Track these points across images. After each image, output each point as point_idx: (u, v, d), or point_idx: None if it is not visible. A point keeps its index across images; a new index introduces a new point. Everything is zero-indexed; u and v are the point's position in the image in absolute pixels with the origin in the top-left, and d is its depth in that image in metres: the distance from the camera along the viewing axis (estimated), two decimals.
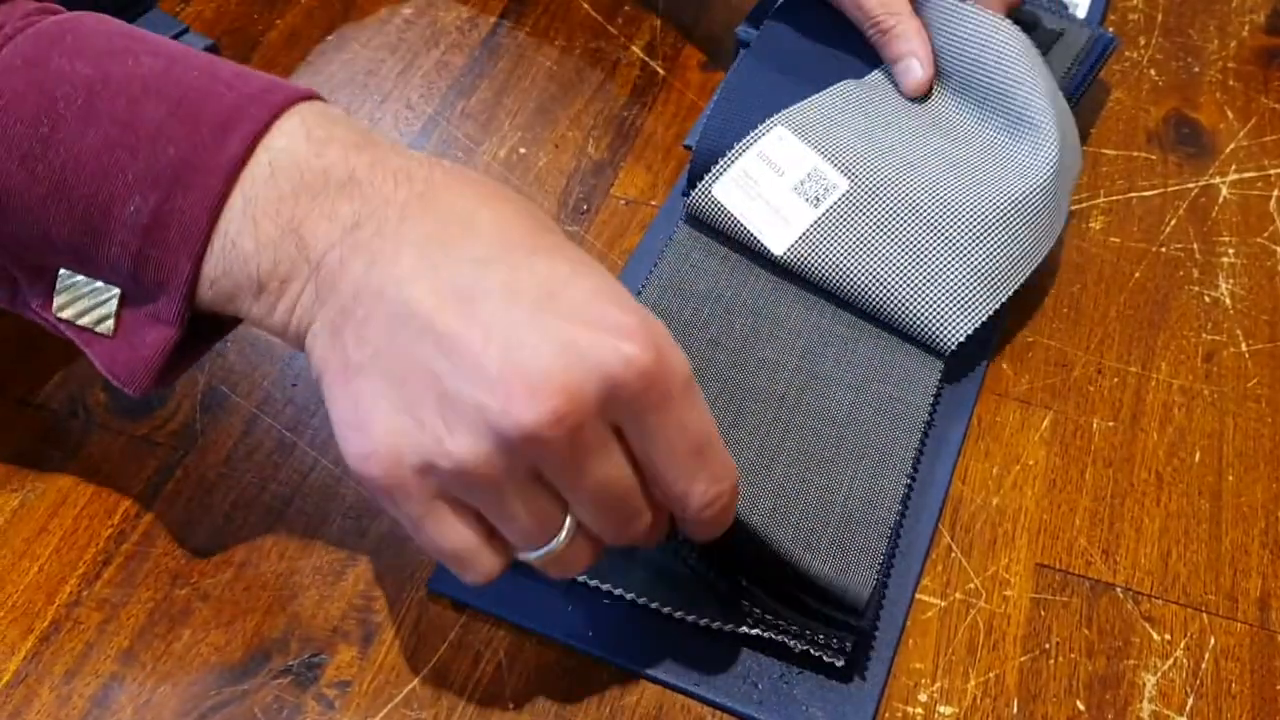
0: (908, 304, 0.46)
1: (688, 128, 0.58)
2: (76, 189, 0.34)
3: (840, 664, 0.38)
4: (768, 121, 0.51)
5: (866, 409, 0.45)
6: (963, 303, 0.46)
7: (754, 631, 0.39)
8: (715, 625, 0.40)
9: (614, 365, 0.30)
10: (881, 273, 0.47)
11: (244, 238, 0.34)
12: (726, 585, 0.40)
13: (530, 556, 0.34)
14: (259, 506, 0.44)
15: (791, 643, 0.39)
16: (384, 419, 0.32)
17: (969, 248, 0.46)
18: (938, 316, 0.46)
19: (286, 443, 0.46)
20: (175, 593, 0.42)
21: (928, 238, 0.47)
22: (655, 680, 0.39)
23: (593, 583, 0.40)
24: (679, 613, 0.40)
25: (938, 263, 0.46)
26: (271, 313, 0.34)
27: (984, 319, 0.46)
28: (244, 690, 0.39)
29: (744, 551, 0.40)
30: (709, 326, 0.47)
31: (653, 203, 0.55)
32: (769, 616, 0.39)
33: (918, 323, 0.46)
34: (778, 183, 0.49)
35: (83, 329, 0.36)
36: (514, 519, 0.32)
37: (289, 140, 0.34)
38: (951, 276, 0.46)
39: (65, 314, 0.36)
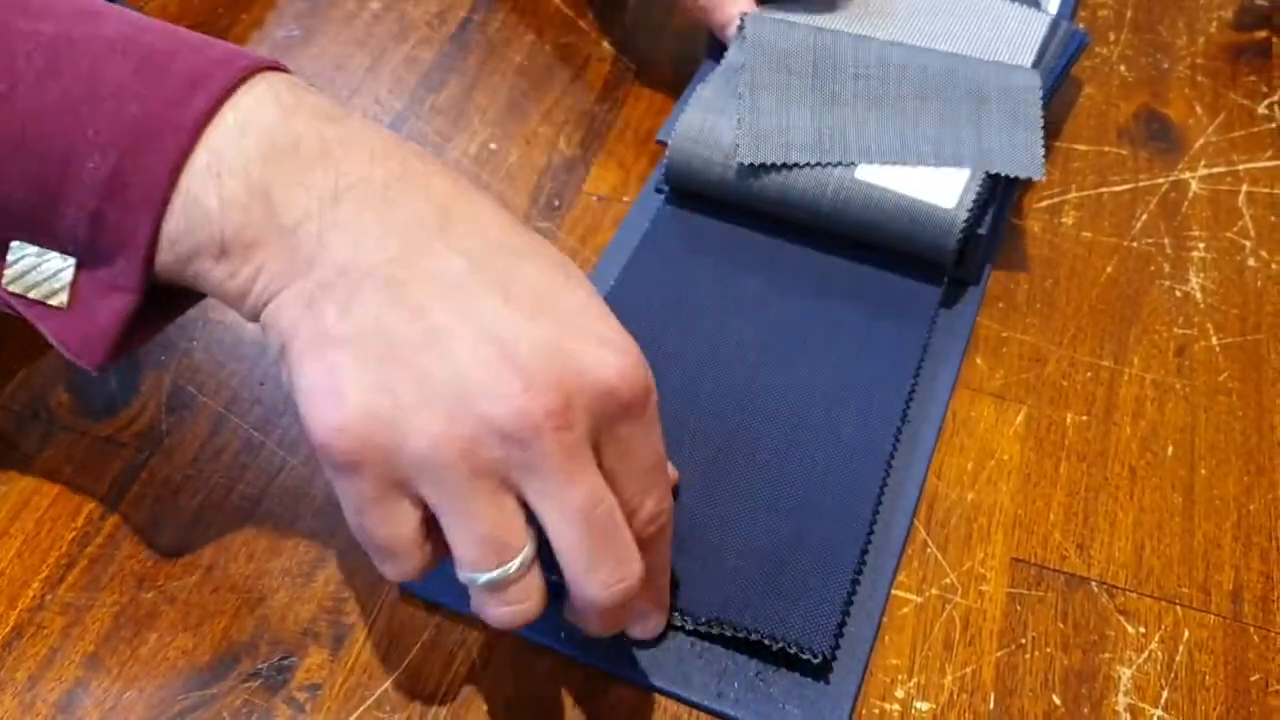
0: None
1: (660, 123, 0.58)
2: (34, 146, 0.32)
3: (817, 661, 0.38)
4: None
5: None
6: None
7: (729, 634, 0.39)
8: (690, 627, 0.39)
9: (608, 375, 0.31)
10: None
11: (208, 195, 0.32)
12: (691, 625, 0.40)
13: (476, 579, 0.32)
14: (227, 508, 0.43)
15: (768, 640, 0.39)
16: (360, 393, 0.31)
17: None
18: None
19: (254, 443, 0.45)
20: (141, 596, 0.41)
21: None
22: (631, 680, 0.39)
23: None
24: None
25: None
26: (232, 277, 0.33)
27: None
28: (212, 694, 0.39)
29: (704, 592, 0.40)
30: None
31: (625, 199, 0.55)
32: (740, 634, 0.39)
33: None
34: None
35: (34, 302, 0.35)
36: (472, 524, 0.31)
37: (257, 103, 0.33)
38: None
39: (14, 287, 0.34)
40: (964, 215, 0.48)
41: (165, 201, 0.32)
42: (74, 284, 0.34)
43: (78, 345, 0.35)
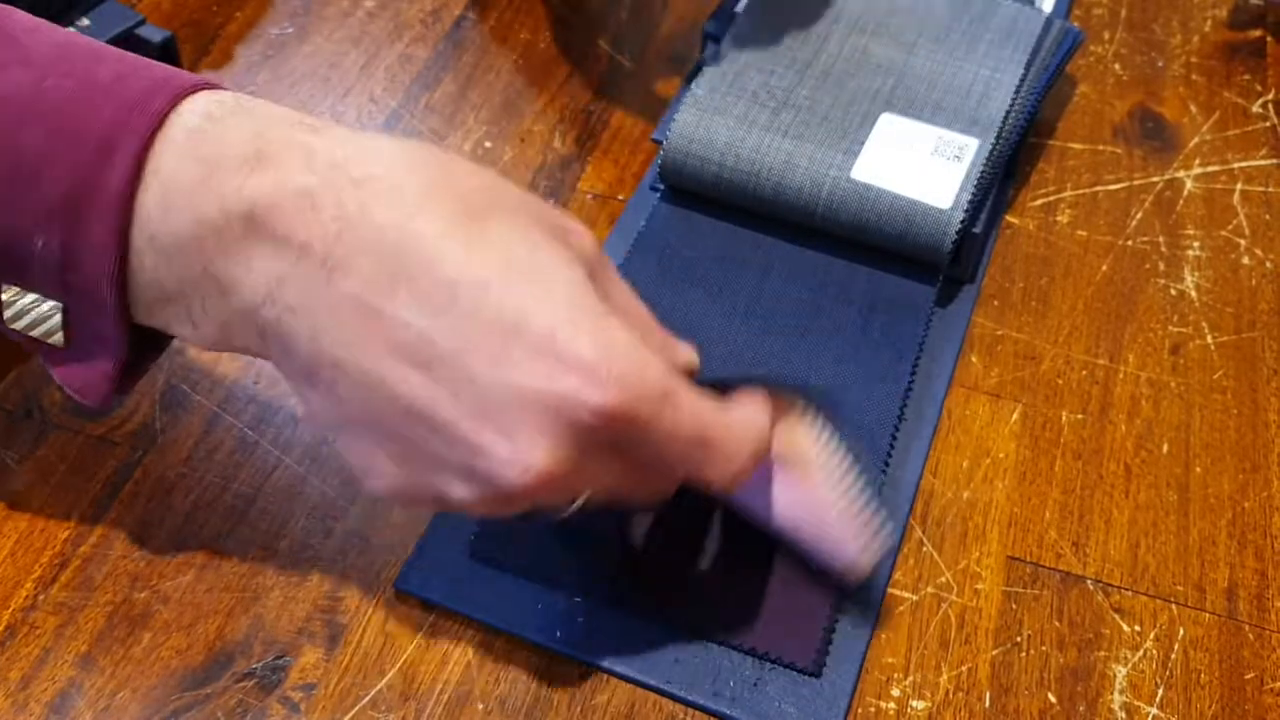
0: None
1: (655, 122, 0.58)
2: None
3: (808, 672, 0.38)
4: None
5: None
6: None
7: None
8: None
9: (581, 417, 0.30)
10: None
11: (160, 274, 0.32)
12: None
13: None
14: (221, 507, 0.43)
15: (755, 655, 0.39)
16: (387, 473, 0.33)
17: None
18: None
19: (249, 441, 0.45)
20: (134, 596, 0.41)
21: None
22: (626, 679, 0.39)
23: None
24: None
25: None
26: (206, 338, 0.34)
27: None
28: (206, 694, 0.38)
29: (691, 605, 0.40)
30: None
31: (620, 197, 0.55)
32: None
33: None
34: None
35: (36, 340, 0.35)
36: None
37: (176, 161, 0.31)
38: None
39: (16, 326, 0.35)
40: (959, 214, 0.48)
41: (119, 272, 0.32)
42: (66, 325, 0.34)
43: (79, 386, 0.35)
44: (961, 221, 0.48)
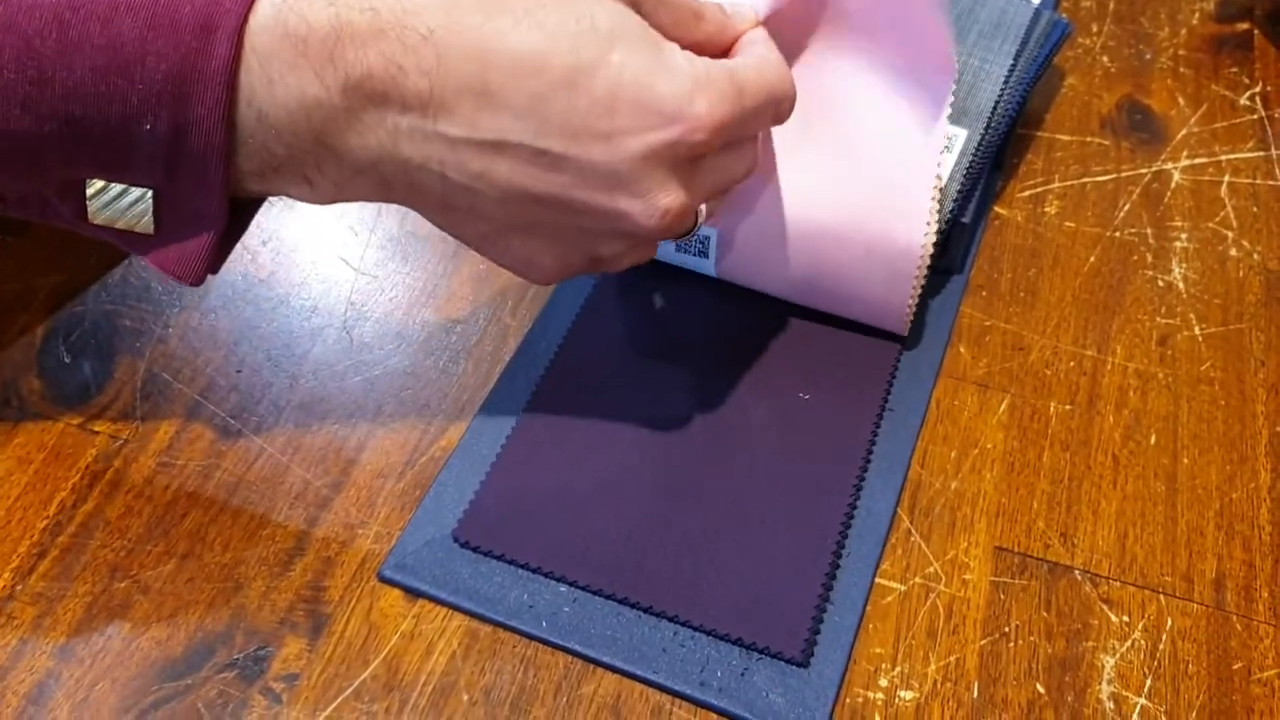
0: None
1: None
2: (85, 123, 0.33)
3: (796, 661, 0.38)
4: None
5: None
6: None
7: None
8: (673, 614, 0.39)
9: (690, 150, 0.35)
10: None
11: (270, 145, 0.34)
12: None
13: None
14: (202, 496, 0.43)
15: (743, 644, 0.38)
16: (545, 262, 0.38)
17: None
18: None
19: (231, 430, 0.45)
20: (114, 586, 0.40)
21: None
22: (613, 669, 0.39)
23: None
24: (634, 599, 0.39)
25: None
26: (323, 197, 0.36)
27: None
28: (187, 685, 0.38)
29: (679, 593, 0.40)
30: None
31: None
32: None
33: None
34: None
35: (123, 231, 0.36)
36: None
37: (270, 38, 0.33)
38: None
39: (100, 219, 0.36)
40: (949, 205, 0.48)
41: (229, 143, 0.33)
42: (157, 211, 0.35)
43: (174, 267, 0.36)
44: (951, 212, 0.48)
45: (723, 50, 0.39)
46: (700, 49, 0.38)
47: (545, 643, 0.39)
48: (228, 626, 0.39)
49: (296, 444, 0.44)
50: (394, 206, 0.47)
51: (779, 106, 0.38)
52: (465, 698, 0.38)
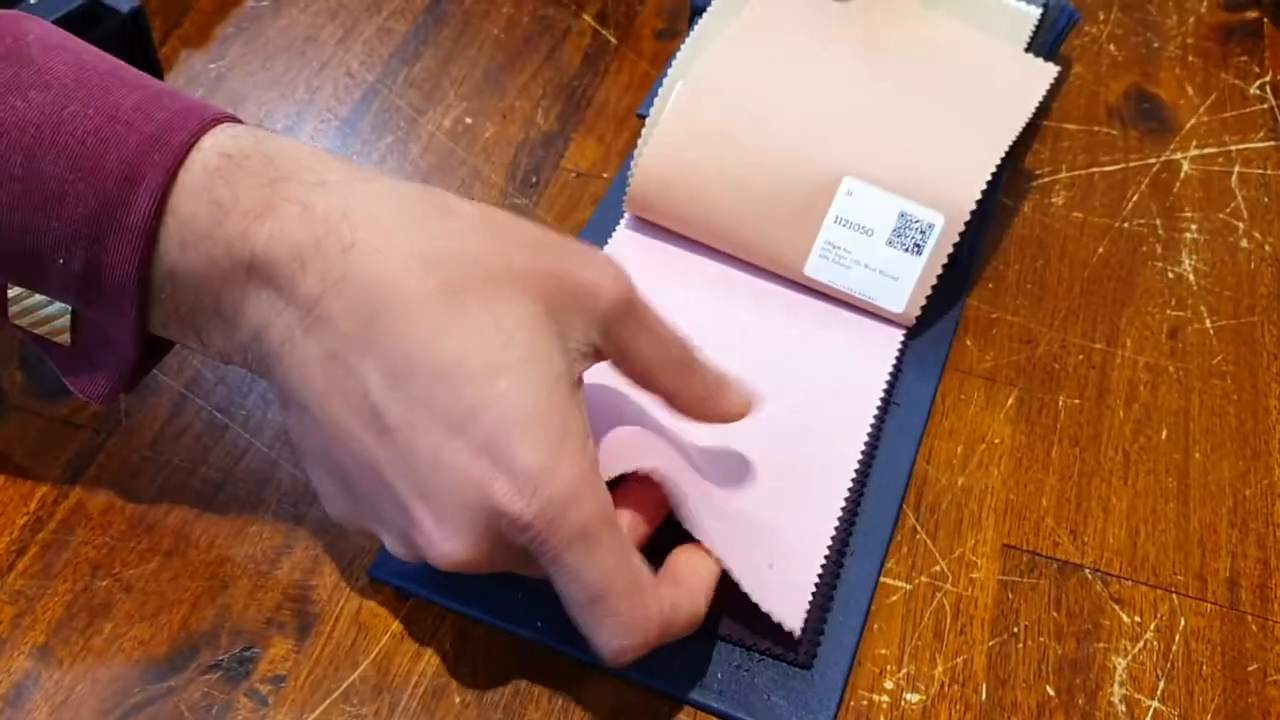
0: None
1: (641, 98, 0.56)
2: (1, 246, 0.32)
3: (797, 663, 0.37)
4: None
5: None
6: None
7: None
8: None
9: (501, 522, 0.31)
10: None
11: (176, 300, 0.33)
12: None
13: None
14: (188, 492, 0.41)
15: (744, 646, 0.37)
16: (339, 505, 0.35)
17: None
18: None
19: (218, 425, 0.43)
20: (96, 584, 0.39)
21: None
22: (609, 672, 0.37)
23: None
24: None
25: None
26: (212, 356, 0.35)
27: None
28: (170, 687, 0.37)
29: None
30: None
31: (605, 175, 0.53)
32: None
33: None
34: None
35: (39, 337, 0.35)
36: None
37: (193, 203, 0.32)
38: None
39: (20, 323, 0.35)
40: (915, 314, 0.46)
41: (141, 294, 0.32)
42: (73, 326, 0.35)
43: (84, 386, 0.36)
44: (916, 319, 0.46)
45: (699, 414, 0.37)
46: (675, 399, 0.36)
47: (540, 644, 0.38)
48: (212, 626, 0.38)
49: (285, 438, 0.43)
50: None
51: (600, 621, 0.33)
52: (458, 700, 0.37)
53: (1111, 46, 0.61)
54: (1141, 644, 0.39)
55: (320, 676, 0.37)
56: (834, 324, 0.46)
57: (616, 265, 0.34)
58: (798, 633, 0.37)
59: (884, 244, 0.45)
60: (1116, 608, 0.40)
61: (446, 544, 0.32)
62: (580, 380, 0.34)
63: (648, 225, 0.49)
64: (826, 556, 0.39)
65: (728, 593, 0.38)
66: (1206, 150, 0.56)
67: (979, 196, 0.45)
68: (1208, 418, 0.45)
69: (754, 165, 0.46)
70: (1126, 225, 0.52)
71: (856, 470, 0.42)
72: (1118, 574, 0.41)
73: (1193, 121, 0.57)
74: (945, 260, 0.45)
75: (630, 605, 0.32)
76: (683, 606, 0.34)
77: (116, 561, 0.39)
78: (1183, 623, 0.39)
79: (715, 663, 0.38)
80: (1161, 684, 0.38)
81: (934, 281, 0.45)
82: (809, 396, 0.44)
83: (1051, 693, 0.38)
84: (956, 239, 0.45)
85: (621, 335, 0.34)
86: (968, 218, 0.45)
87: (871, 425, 0.43)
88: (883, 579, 0.40)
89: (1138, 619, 0.40)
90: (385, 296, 0.31)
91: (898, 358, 0.45)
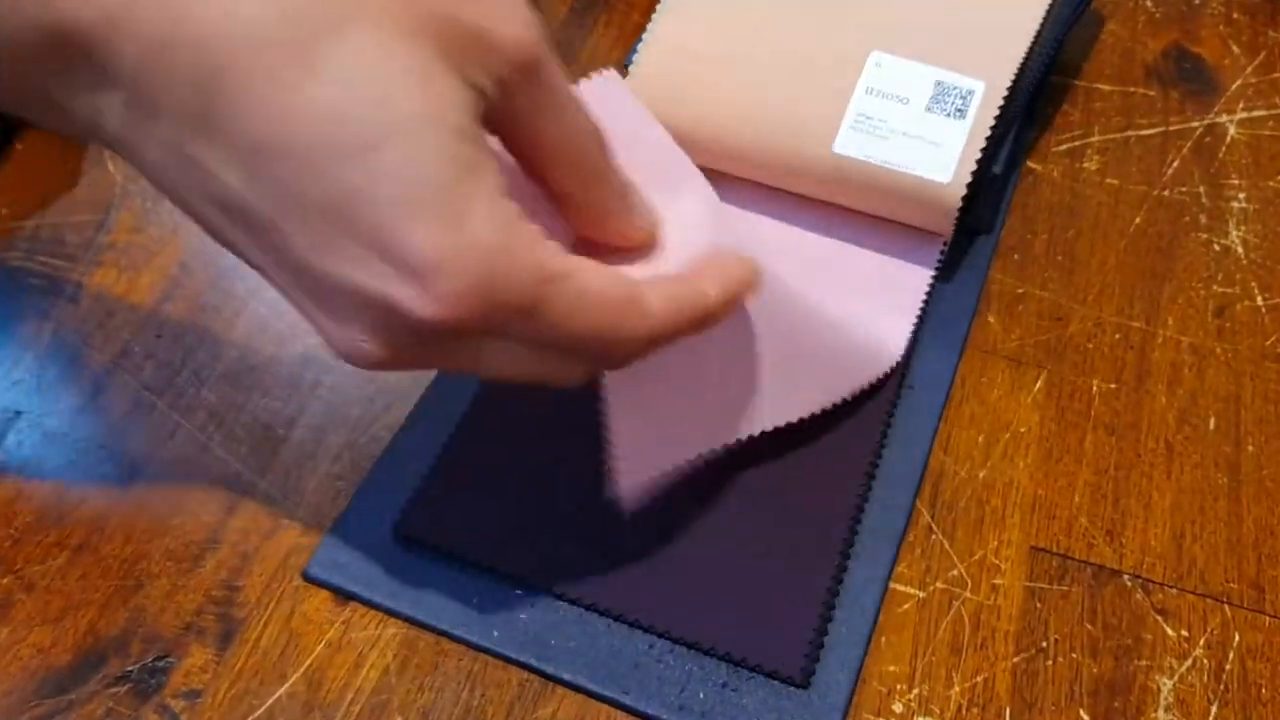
0: None
1: (629, 46, 0.51)
2: None
3: (794, 680, 0.32)
4: None
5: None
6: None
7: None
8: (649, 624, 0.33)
9: (410, 326, 0.25)
10: None
11: (7, 83, 0.26)
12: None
13: None
14: (106, 478, 0.37)
15: (734, 658, 0.32)
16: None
17: None
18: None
19: (144, 403, 0.39)
20: None
21: None
22: (576, 688, 0.33)
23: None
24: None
25: None
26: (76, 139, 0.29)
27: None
28: (69, 700, 0.32)
29: (663, 602, 0.34)
30: None
31: None
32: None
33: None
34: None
35: None
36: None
37: None
38: None
39: None
40: (961, 190, 0.41)
41: None
42: None
43: None
44: (963, 198, 0.41)
45: (595, 229, 0.30)
46: (568, 202, 0.29)
47: (496, 655, 0.33)
48: (123, 631, 0.33)
49: (219, 420, 0.38)
50: None
51: (608, 352, 0.28)
52: (399, 719, 0.32)
53: (1148, 2, 0.56)
54: (1190, 662, 0.34)
55: (242, 691, 0.32)
56: (851, 286, 0.41)
57: (529, 11, 0.27)
58: (803, 647, 0.32)
59: (923, 110, 0.42)
60: (1160, 620, 0.35)
61: (353, 349, 0.26)
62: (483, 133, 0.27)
63: None
64: (836, 563, 0.34)
65: (717, 600, 0.33)
66: (1255, 113, 0.51)
67: (1021, 59, 0.42)
68: (1261, 405, 0.40)
69: (771, 44, 0.43)
70: (1166, 193, 0.47)
71: (865, 460, 0.37)
72: (1161, 581, 0.36)
73: (1239, 82, 0.52)
74: (989, 131, 0.41)
75: (621, 330, 0.27)
76: (687, 302, 0.28)
77: (19, 556, 0.35)
78: (1237, 638, 0.34)
79: (699, 680, 0.33)
80: (1214, 709, 0.33)
81: (979, 154, 0.41)
82: (816, 371, 0.39)
83: (1086, 717, 0.33)
84: (998, 108, 0.41)
85: (521, 104, 0.26)
86: (1010, 82, 0.41)
87: (886, 412, 0.38)
88: (892, 584, 0.35)
89: (1185, 633, 0.34)
90: (219, 61, 0.24)
91: (913, 332, 0.40)
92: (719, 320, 0.29)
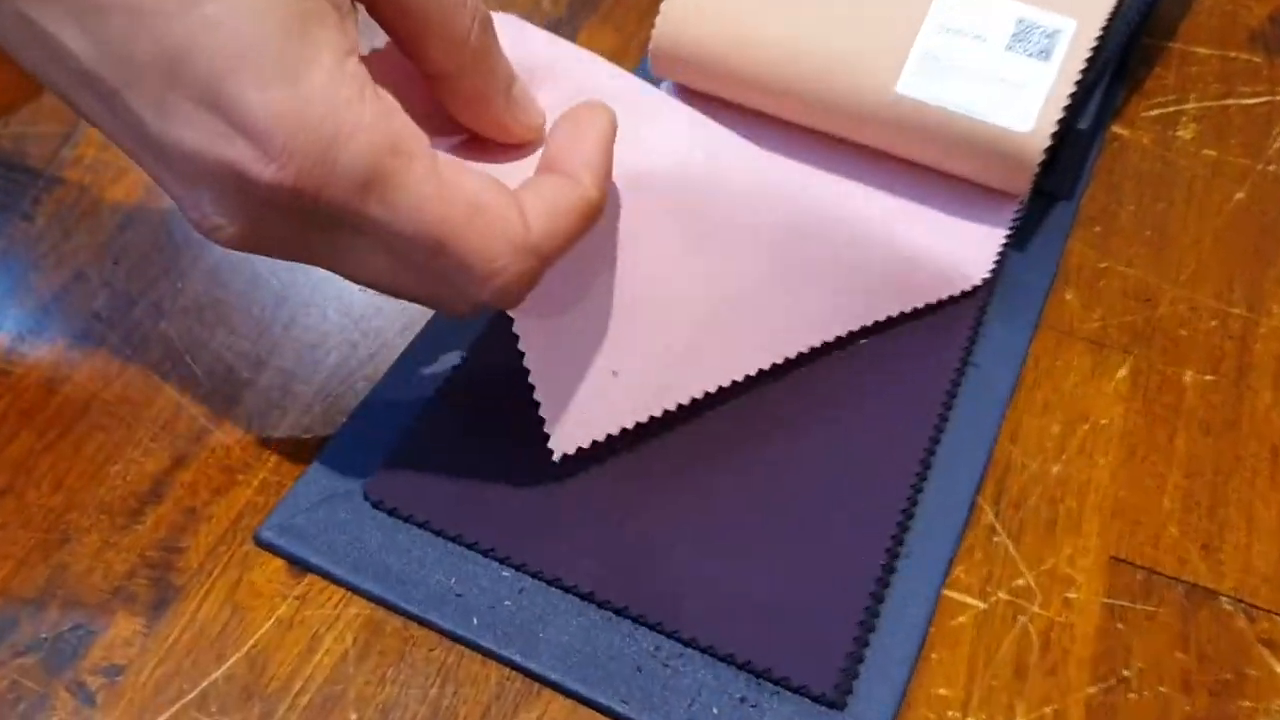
0: None
1: None
2: None
3: (826, 697, 0.27)
4: None
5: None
6: None
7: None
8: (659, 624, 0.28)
9: (255, 191, 0.23)
10: None
11: None
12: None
13: None
14: (41, 417, 0.32)
15: (758, 669, 0.27)
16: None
17: None
18: None
19: (92, 334, 0.34)
20: None
21: None
22: (565, 690, 0.27)
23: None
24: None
25: None
26: None
27: None
28: None
29: (683, 604, 0.29)
30: None
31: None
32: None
33: None
34: None
35: None
36: None
37: None
38: None
39: None
40: (1044, 141, 0.35)
41: None
42: None
43: None
44: (1046, 150, 0.36)
45: (475, 118, 0.28)
46: (446, 84, 0.27)
47: (474, 647, 0.28)
48: (40, 594, 0.29)
49: (175, 357, 0.33)
50: None
51: (452, 264, 0.25)
52: (354, 716, 0.27)
53: None
54: None
55: (171, 671, 0.27)
56: (908, 250, 0.36)
57: None
58: (838, 660, 0.27)
59: (1002, 49, 0.36)
60: (1266, 653, 0.29)
61: (206, 222, 0.25)
62: None
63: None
64: (881, 564, 0.29)
65: (739, 599, 0.28)
66: None
67: None
68: None
69: None
70: (1272, 168, 0.42)
71: (921, 445, 0.31)
72: (1267, 608, 0.30)
73: None
74: (1078, 77, 0.36)
75: (482, 236, 0.24)
76: (564, 200, 0.26)
77: None
78: None
79: (711, 691, 0.27)
80: None
81: (1065, 103, 0.35)
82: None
83: None
84: (1090, 50, 0.36)
85: None
86: (1104, 23, 0.36)
87: (947, 393, 0.33)
88: (946, 592, 0.30)
89: None
90: None
91: (981, 309, 0.35)
92: (601, 212, 0.27)
